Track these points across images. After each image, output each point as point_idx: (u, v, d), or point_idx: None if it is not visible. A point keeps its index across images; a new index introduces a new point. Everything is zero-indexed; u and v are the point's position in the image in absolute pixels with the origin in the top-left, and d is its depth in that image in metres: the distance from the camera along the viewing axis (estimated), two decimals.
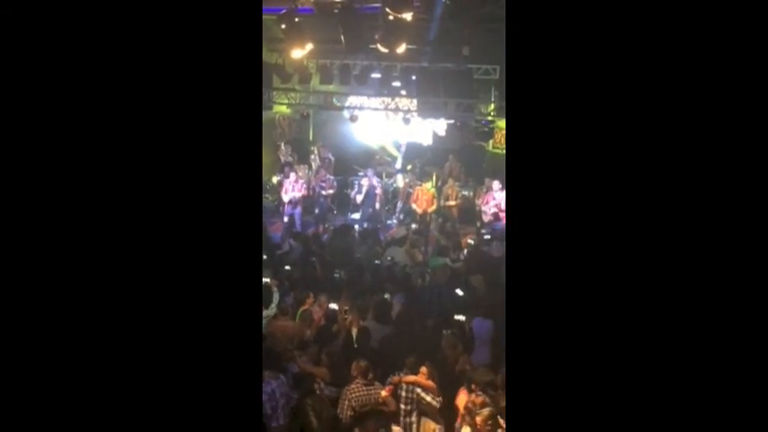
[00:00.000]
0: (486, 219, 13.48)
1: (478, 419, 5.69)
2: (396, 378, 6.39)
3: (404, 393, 6.43)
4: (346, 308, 7.91)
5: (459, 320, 7.85)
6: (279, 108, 16.18)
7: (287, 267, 9.60)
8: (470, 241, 11.83)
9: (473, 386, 6.06)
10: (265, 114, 15.09)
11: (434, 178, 15.45)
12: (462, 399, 6.11)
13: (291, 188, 13.70)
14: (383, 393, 6.21)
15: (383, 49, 10.82)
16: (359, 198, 14.86)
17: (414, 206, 13.93)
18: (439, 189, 14.56)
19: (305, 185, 14.23)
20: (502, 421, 5.67)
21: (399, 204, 14.97)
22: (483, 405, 5.80)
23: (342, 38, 10.83)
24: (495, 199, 13.38)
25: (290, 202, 13.66)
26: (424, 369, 6.50)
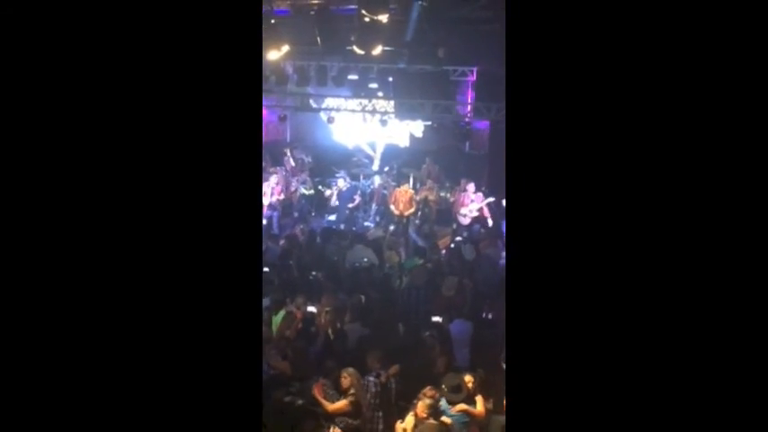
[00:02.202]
0: (462, 221, 13.51)
1: (419, 405, 5.78)
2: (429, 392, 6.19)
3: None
4: (327, 309, 7.90)
5: (436, 322, 7.87)
6: None
7: (265, 269, 9.56)
8: (452, 245, 11.86)
9: (443, 388, 6.10)
10: None
11: (412, 180, 15.47)
12: None
13: (270, 191, 13.66)
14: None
15: (359, 51, 10.82)
16: (335, 200, 14.86)
17: (392, 207, 13.94)
18: (416, 191, 14.58)
19: (282, 188, 14.19)
20: (446, 419, 5.78)
21: (374, 206, 14.98)
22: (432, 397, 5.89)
23: (318, 39, 10.82)
24: (471, 201, 13.42)
25: (268, 205, 13.63)
26: (394, 369, 6.52)
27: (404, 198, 13.84)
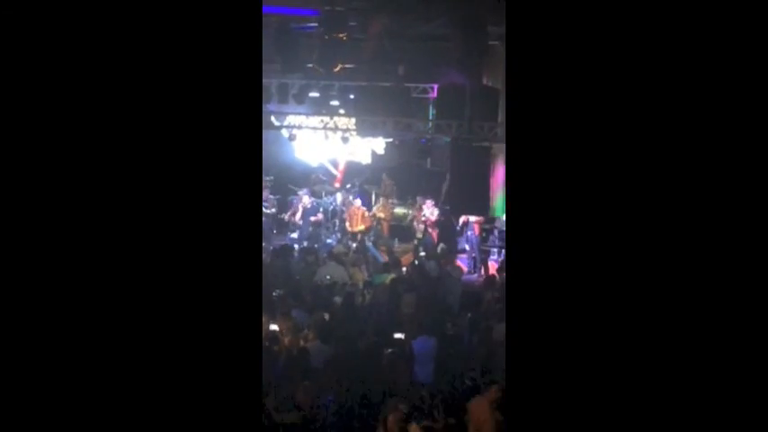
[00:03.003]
0: (418, 235, 13.61)
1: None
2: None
3: None
4: (289, 327, 7.85)
5: (398, 339, 7.85)
6: None
7: None
8: (416, 261, 11.88)
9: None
10: None
11: (373, 196, 15.49)
12: None
13: None
14: None
15: (320, 69, 10.83)
16: (296, 217, 14.81)
17: (346, 225, 14.00)
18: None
19: None
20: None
21: (336, 223, 14.99)
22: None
23: (279, 57, 10.81)
24: (425, 216, 13.59)
25: None
26: None
27: (356, 215, 13.92)
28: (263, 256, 11.99)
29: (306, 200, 14.78)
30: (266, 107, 14.97)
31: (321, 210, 15.15)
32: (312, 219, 14.79)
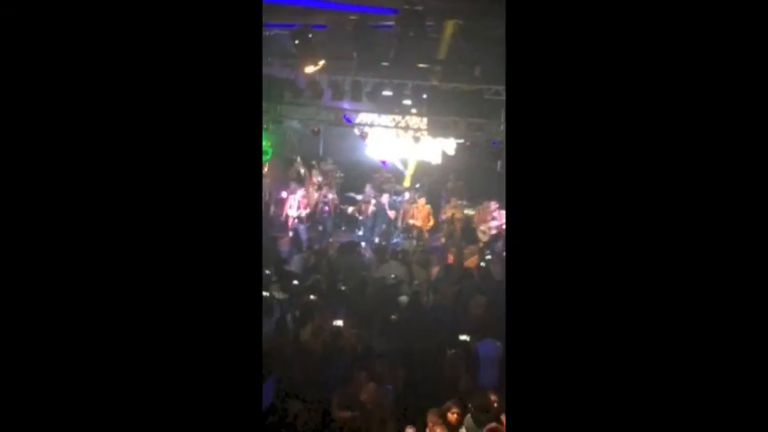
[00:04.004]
0: (483, 238, 13.51)
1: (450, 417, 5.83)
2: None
3: None
4: (353, 324, 7.90)
5: (464, 341, 7.82)
6: (289, 123, 16.20)
7: (295, 282, 9.61)
8: (482, 264, 11.80)
9: (469, 406, 6.05)
10: (276, 129, 15.13)
11: (441, 197, 15.45)
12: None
13: (296, 203, 13.74)
14: None
15: (395, 67, 10.83)
16: (363, 215, 14.91)
17: (411, 222, 13.99)
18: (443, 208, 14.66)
19: (310, 201, 14.26)
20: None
21: (401, 222, 15.01)
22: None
23: (354, 54, 10.86)
24: (492, 218, 13.45)
25: (297, 216, 13.69)
26: None
27: (421, 213, 13.90)
28: (330, 252, 12.14)
29: (373, 197, 14.85)
30: (339, 104, 15.12)
31: (388, 208, 15.20)
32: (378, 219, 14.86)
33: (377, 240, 13.96)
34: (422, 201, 14.66)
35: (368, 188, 15.18)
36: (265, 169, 14.47)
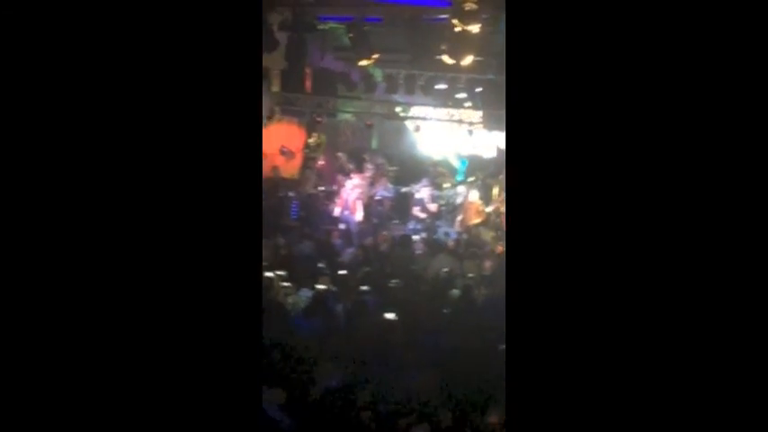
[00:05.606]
0: None
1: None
2: None
3: None
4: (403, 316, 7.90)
5: None
6: (343, 116, 16.27)
7: (343, 272, 9.67)
8: None
9: None
10: (330, 122, 15.22)
11: (497, 191, 15.31)
12: None
13: (347, 196, 13.80)
14: None
15: (449, 61, 10.78)
16: (417, 208, 14.86)
17: (462, 216, 13.96)
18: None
19: (362, 193, 14.28)
20: None
21: (456, 217, 14.94)
22: None
23: (408, 48, 10.85)
24: None
25: (349, 209, 13.75)
26: None
27: (472, 208, 13.82)
28: (384, 246, 12.15)
29: (424, 192, 14.80)
30: (393, 98, 15.13)
31: (441, 202, 15.14)
32: (432, 210, 14.80)
33: (429, 234, 13.91)
34: (474, 195, 14.56)
35: (422, 182, 15.13)
36: (321, 162, 14.56)
